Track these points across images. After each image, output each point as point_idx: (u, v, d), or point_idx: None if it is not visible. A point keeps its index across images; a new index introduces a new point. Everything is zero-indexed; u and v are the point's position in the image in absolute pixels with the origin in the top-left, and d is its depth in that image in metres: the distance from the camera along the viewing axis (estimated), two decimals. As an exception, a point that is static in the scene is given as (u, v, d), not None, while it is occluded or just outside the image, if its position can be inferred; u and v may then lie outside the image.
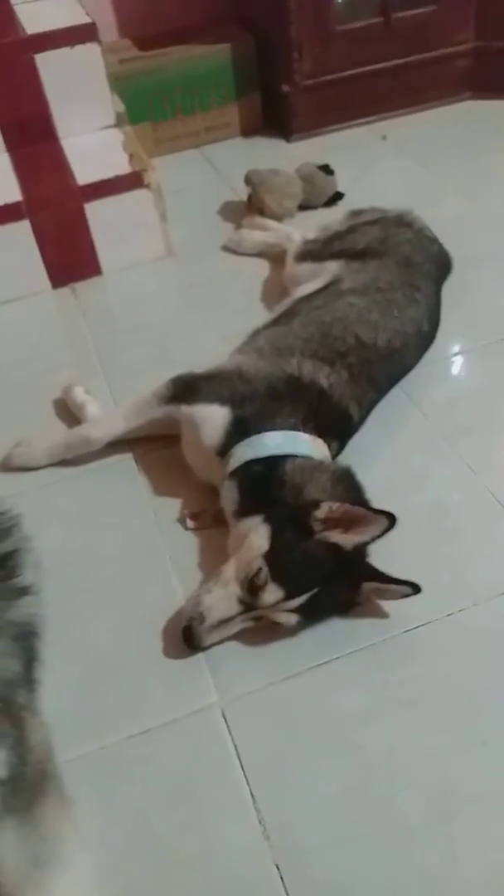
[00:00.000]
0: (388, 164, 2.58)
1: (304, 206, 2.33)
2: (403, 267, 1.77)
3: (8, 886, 0.95)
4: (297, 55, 2.57)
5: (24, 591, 1.11)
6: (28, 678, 1.07)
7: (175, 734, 1.19)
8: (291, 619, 1.26)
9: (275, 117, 2.76)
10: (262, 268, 2.15)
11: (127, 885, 1.04)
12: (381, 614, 1.31)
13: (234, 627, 1.28)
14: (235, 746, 1.17)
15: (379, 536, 1.26)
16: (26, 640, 1.08)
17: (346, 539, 1.26)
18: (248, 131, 2.79)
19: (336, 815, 1.09)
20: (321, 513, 1.27)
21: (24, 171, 2.12)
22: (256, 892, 1.04)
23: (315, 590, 1.25)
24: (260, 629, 1.29)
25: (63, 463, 1.64)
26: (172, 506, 1.54)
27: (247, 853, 1.07)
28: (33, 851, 0.96)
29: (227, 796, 1.12)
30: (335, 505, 1.27)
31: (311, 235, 2.02)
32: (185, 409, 1.52)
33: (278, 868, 1.05)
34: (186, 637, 1.26)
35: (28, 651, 1.08)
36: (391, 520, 1.24)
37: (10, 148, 2.20)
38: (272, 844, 1.07)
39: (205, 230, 2.31)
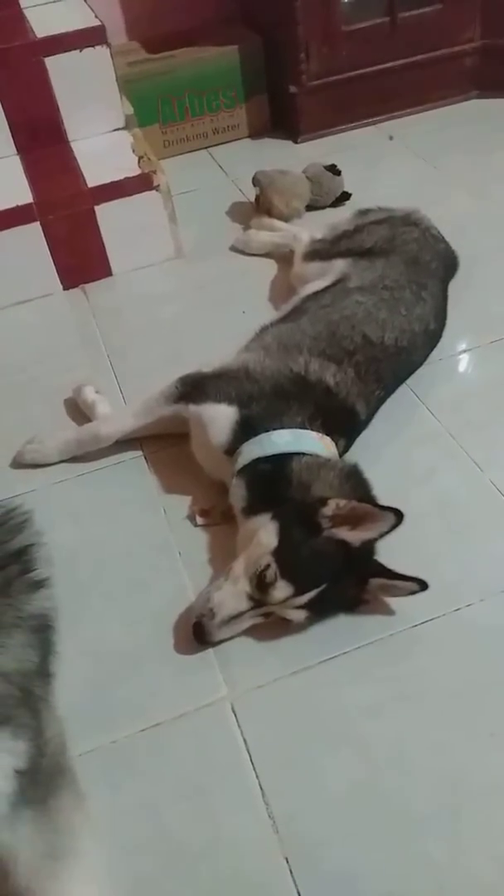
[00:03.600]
0: (395, 163, 2.59)
1: (311, 207, 2.35)
2: (411, 265, 1.78)
3: (23, 878, 0.96)
4: (304, 56, 2.58)
5: (39, 585, 1.13)
6: (44, 671, 1.08)
7: (185, 728, 1.21)
8: (300, 615, 1.28)
9: (282, 118, 2.78)
10: (270, 268, 2.16)
11: (137, 877, 1.05)
12: (388, 611, 1.32)
13: (244, 624, 1.30)
14: (245, 740, 1.19)
15: (386, 533, 1.27)
16: (43, 632, 1.10)
17: (353, 536, 1.27)
18: (255, 132, 2.80)
19: (345, 807, 1.11)
20: (329, 510, 1.28)
21: (35, 173, 2.15)
22: (266, 884, 1.05)
23: (323, 586, 1.26)
24: (269, 624, 1.31)
25: (74, 460, 1.66)
26: (182, 503, 1.56)
27: (256, 846, 1.08)
28: (48, 843, 0.96)
29: (236, 789, 1.14)
30: (342, 502, 1.28)
31: (319, 235, 2.03)
32: (193, 409, 1.54)
33: (287, 861, 1.06)
34: (197, 633, 1.28)
35: (45, 644, 1.09)
36: (398, 516, 1.25)
37: (21, 151, 2.22)
38: (281, 837, 1.08)
39: (213, 231, 2.32)
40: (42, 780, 0.96)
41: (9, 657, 0.98)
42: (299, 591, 1.26)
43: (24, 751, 0.95)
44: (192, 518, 1.53)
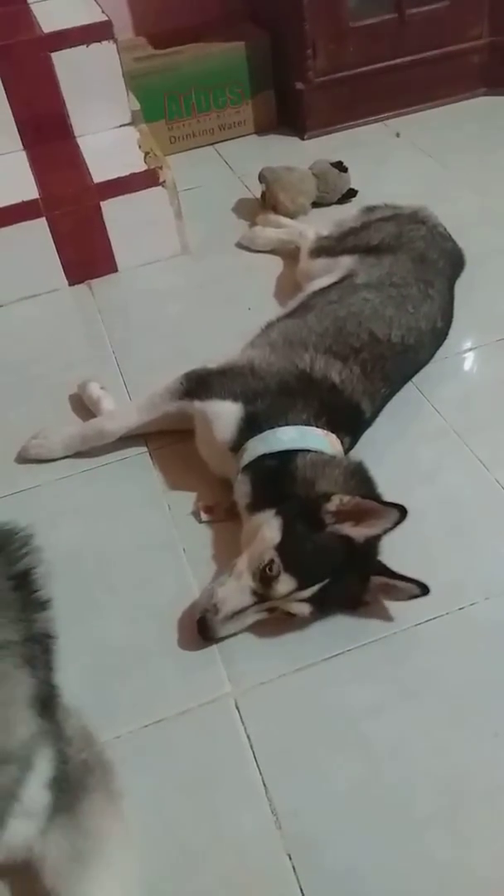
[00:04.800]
0: (402, 160, 2.58)
1: (317, 203, 2.34)
2: (418, 263, 1.78)
3: (49, 880, 0.97)
4: (311, 52, 2.57)
5: (44, 606, 1.14)
6: (52, 681, 1.09)
7: (189, 724, 1.21)
8: (304, 609, 1.28)
9: (289, 115, 2.77)
10: (276, 264, 2.16)
11: (140, 872, 1.04)
12: (392, 610, 1.32)
13: (248, 619, 1.30)
14: (248, 736, 1.19)
15: (390, 529, 1.27)
16: (48, 650, 1.11)
17: (357, 531, 1.27)
18: (262, 129, 2.80)
19: (348, 805, 1.11)
20: (332, 505, 1.28)
21: (41, 169, 2.15)
22: (268, 880, 1.05)
23: (326, 580, 1.26)
24: (273, 621, 1.31)
25: (79, 456, 1.66)
26: (186, 499, 1.56)
27: (259, 842, 1.08)
28: (75, 847, 0.96)
29: (240, 786, 1.14)
30: (346, 498, 1.28)
31: (325, 232, 2.03)
32: (198, 405, 1.53)
33: (290, 857, 1.06)
34: (201, 629, 1.28)
35: (51, 657, 1.11)
36: (402, 512, 1.25)
37: (27, 146, 2.22)
38: (284, 834, 1.08)
39: (219, 227, 2.32)
40: (70, 785, 0.95)
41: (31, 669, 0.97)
42: (302, 586, 1.26)
43: (51, 758, 0.94)
44: (196, 514, 1.53)
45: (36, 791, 0.95)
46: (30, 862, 0.96)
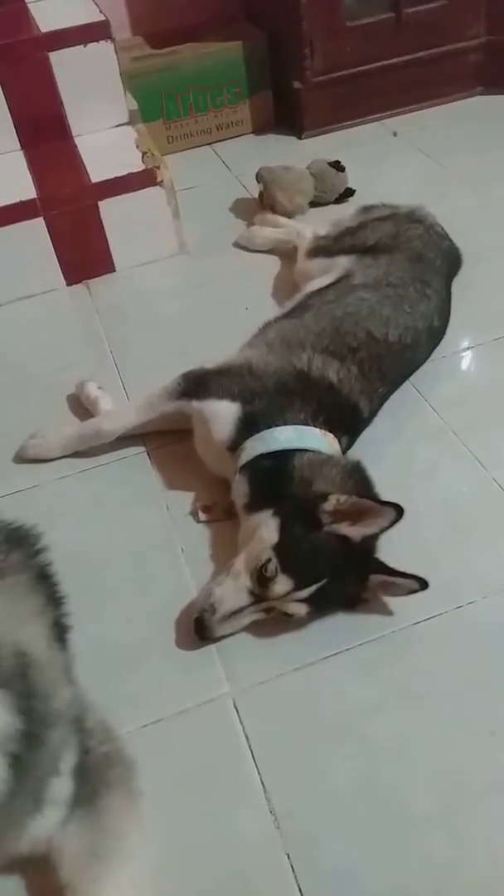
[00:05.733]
0: (400, 160, 2.58)
1: (315, 203, 2.34)
2: (414, 262, 1.78)
3: (66, 874, 0.97)
4: (308, 52, 2.57)
5: (62, 600, 1.15)
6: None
7: (187, 724, 1.21)
8: (301, 609, 1.28)
9: (286, 114, 2.77)
10: (273, 264, 2.16)
11: (154, 875, 1.03)
12: (390, 609, 1.32)
13: (246, 619, 1.30)
14: (247, 736, 1.19)
15: (387, 528, 1.27)
16: (66, 643, 1.11)
17: (354, 531, 1.27)
18: (259, 128, 2.80)
19: (346, 804, 1.11)
20: (329, 505, 1.28)
21: (39, 169, 2.14)
22: (267, 880, 1.05)
23: (324, 580, 1.26)
24: (270, 621, 1.31)
25: (77, 456, 1.66)
26: (184, 499, 1.56)
27: (258, 842, 1.08)
28: (94, 843, 0.96)
29: (237, 785, 1.14)
30: (343, 497, 1.28)
31: (323, 231, 2.03)
32: (196, 405, 1.54)
33: (289, 857, 1.06)
34: (198, 628, 1.28)
35: (69, 652, 1.11)
36: (399, 511, 1.25)
37: (25, 146, 2.22)
38: (283, 833, 1.09)
39: (217, 227, 2.32)
40: (91, 778, 0.94)
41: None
42: (300, 586, 1.26)
43: (74, 746, 0.94)
44: (194, 514, 1.53)
45: (62, 778, 0.94)
46: (47, 854, 0.96)
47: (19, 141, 2.21)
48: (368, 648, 1.28)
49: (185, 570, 1.43)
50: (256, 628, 1.31)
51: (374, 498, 1.33)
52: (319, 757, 1.16)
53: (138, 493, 1.59)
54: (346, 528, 1.27)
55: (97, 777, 0.96)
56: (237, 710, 1.22)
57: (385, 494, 1.36)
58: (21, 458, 1.67)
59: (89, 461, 1.65)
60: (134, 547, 1.48)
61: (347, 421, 1.51)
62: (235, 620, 1.29)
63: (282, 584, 1.25)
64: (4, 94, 2.12)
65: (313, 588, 1.26)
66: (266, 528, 1.31)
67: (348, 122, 2.76)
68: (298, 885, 1.04)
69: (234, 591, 1.28)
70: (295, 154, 2.54)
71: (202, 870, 1.06)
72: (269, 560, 1.26)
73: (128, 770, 1.02)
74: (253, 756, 1.16)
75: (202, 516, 1.52)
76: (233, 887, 1.05)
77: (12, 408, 1.80)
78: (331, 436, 1.45)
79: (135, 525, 1.52)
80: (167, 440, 1.66)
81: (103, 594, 1.40)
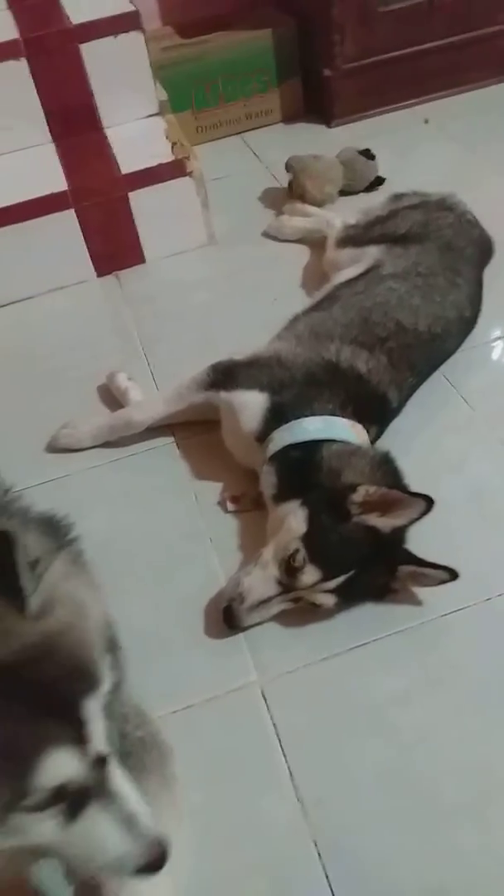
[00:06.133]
0: (430, 147, 2.55)
1: (344, 192, 2.33)
2: (445, 251, 1.76)
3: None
4: (339, 38, 2.55)
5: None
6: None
7: (216, 711, 1.22)
8: (329, 600, 1.28)
9: (316, 102, 2.75)
10: (302, 254, 2.15)
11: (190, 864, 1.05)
12: (418, 600, 1.32)
13: (274, 609, 1.31)
14: (274, 724, 1.20)
15: (416, 520, 1.26)
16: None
17: (383, 522, 1.27)
18: (289, 117, 2.78)
19: (373, 794, 1.11)
20: (358, 496, 1.28)
21: (69, 161, 2.16)
22: (294, 866, 1.06)
23: (352, 572, 1.27)
24: (298, 611, 1.31)
25: (107, 446, 1.68)
26: (213, 489, 1.57)
27: (285, 829, 1.09)
28: None
29: (265, 773, 1.15)
30: (372, 488, 1.28)
31: (352, 221, 2.01)
32: (225, 396, 1.54)
33: (316, 844, 1.07)
34: (227, 617, 1.29)
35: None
36: (428, 503, 1.24)
37: (56, 138, 2.23)
38: (310, 821, 1.10)
39: (246, 217, 2.32)
40: (127, 762, 0.92)
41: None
42: (328, 577, 1.26)
43: (113, 730, 0.95)
44: (222, 504, 1.54)
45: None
46: None
47: (50, 133, 2.23)
48: (397, 639, 1.28)
49: (214, 559, 1.44)
50: (284, 618, 1.32)
51: (404, 489, 1.33)
52: (347, 746, 1.17)
53: (167, 483, 1.60)
54: (374, 520, 1.27)
55: (134, 761, 0.97)
56: (265, 699, 1.23)
57: (414, 485, 1.35)
58: (53, 448, 1.69)
59: (119, 451, 1.67)
60: (163, 536, 1.50)
61: (376, 411, 1.51)
62: (263, 610, 1.30)
63: (310, 575, 1.26)
64: (36, 86, 2.13)
65: (341, 579, 1.26)
66: (294, 519, 1.31)
67: (378, 110, 2.73)
68: (326, 873, 1.05)
69: (262, 581, 1.29)
70: (324, 142, 2.52)
71: (230, 855, 1.07)
72: (297, 550, 1.26)
73: (163, 755, 1.03)
74: (280, 744, 1.17)
75: (230, 506, 1.53)
76: (261, 873, 1.06)
77: (44, 398, 1.82)
78: (359, 426, 1.45)
79: (164, 515, 1.54)
80: (196, 431, 1.67)
81: (133, 582, 1.42)
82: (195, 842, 1.04)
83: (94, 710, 0.78)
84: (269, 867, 1.06)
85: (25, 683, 0.74)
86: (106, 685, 0.81)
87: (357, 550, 1.27)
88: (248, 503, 1.52)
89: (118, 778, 0.82)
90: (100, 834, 0.80)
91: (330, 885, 1.04)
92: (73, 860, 0.84)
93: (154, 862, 0.81)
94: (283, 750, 1.17)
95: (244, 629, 1.30)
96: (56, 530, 1.13)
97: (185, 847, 0.98)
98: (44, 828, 0.77)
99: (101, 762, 0.80)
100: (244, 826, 1.10)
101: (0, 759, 0.72)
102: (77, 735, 0.76)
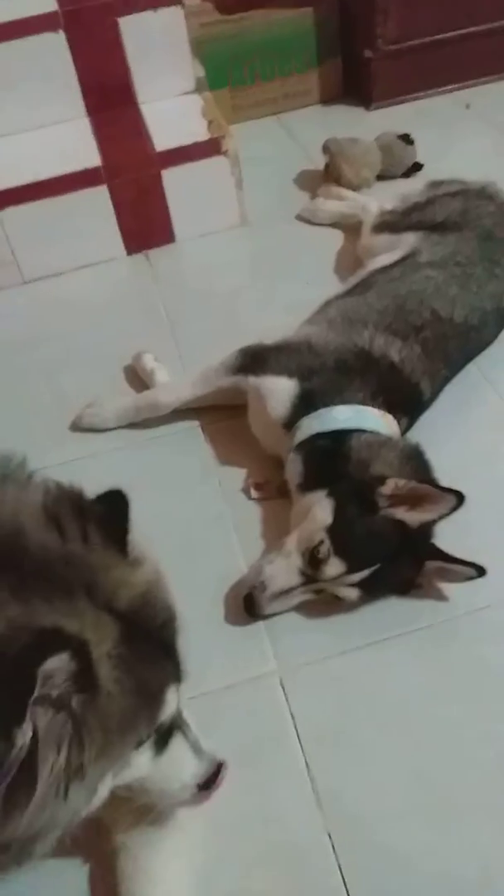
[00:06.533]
0: (471, 133, 2.48)
1: (382, 177, 2.28)
2: (484, 241, 1.71)
3: (118, 840, 1.00)
4: (382, 19, 2.49)
5: None
6: None
7: (234, 698, 1.21)
8: (352, 593, 1.26)
9: (355, 84, 2.69)
10: (336, 238, 2.12)
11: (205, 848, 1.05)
12: (443, 596, 1.30)
13: (295, 599, 1.29)
14: (292, 715, 1.19)
15: (446, 515, 1.24)
16: None
17: (411, 516, 1.25)
18: (327, 98, 2.73)
19: (390, 789, 1.10)
20: (387, 489, 1.25)
21: (104, 136, 2.13)
22: (307, 857, 1.05)
23: (377, 565, 1.25)
24: (321, 601, 1.30)
25: (131, 427, 1.66)
26: (237, 475, 1.55)
27: (299, 820, 1.08)
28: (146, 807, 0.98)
29: (282, 763, 1.14)
30: (401, 481, 1.25)
31: (389, 206, 1.97)
32: (252, 381, 1.52)
33: (330, 836, 1.06)
34: (248, 605, 1.28)
35: None
36: (459, 498, 1.22)
37: (91, 113, 2.20)
38: (325, 813, 1.09)
39: (279, 199, 2.28)
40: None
41: None
42: (352, 570, 1.24)
43: None
44: (246, 491, 1.52)
45: None
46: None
47: (86, 107, 2.20)
48: (420, 635, 1.26)
49: (236, 545, 1.43)
50: (306, 608, 1.31)
51: (434, 483, 1.30)
52: (364, 740, 1.15)
53: (191, 467, 1.58)
54: (403, 513, 1.25)
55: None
56: (283, 689, 1.22)
57: (444, 479, 1.33)
58: (77, 427, 1.68)
59: (144, 433, 1.66)
60: (185, 521, 1.48)
61: (408, 402, 1.48)
62: (285, 599, 1.28)
63: (334, 567, 1.24)
64: (73, 59, 2.10)
65: (366, 572, 1.24)
66: (320, 509, 1.29)
67: (419, 94, 2.67)
68: (339, 865, 1.04)
69: (284, 571, 1.27)
70: (363, 126, 2.47)
71: (243, 842, 1.07)
72: (321, 542, 1.25)
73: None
74: (298, 735, 1.16)
75: (254, 493, 1.52)
76: (273, 861, 1.05)
77: (70, 376, 1.81)
78: (390, 417, 1.42)
79: (187, 499, 1.52)
80: (222, 415, 1.65)
81: (153, 566, 1.41)
82: (210, 827, 1.05)
83: (183, 649, 0.89)
84: (281, 856, 1.06)
85: (143, 627, 0.82)
86: None
87: (383, 544, 1.25)
88: (272, 491, 1.51)
89: (184, 710, 0.93)
90: (180, 759, 0.91)
91: (343, 878, 1.03)
92: (149, 789, 0.92)
93: (215, 779, 0.94)
94: (300, 740, 1.16)
95: (264, 618, 1.29)
96: None
97: (200, 831, 0.99)
98: (142, 760, 0.87)
99: None
100: (258, 814, 1.09)
101: (143, 695, 0.80)
102: (179, 672, 0.88)
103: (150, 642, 0.83)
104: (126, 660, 0.77)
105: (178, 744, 0.91)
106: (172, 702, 0.86)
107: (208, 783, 0.94)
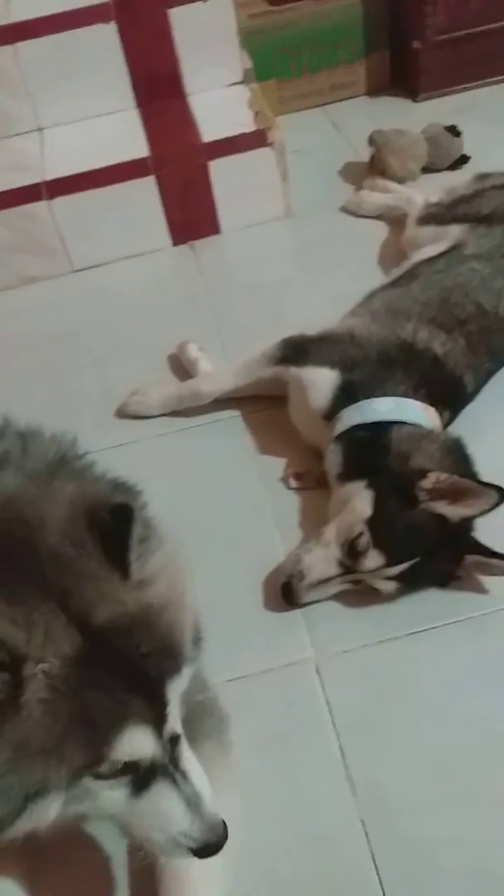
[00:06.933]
0: (521, 125, 2.45)
1: (428, 169, 2.26)
2: (532, 234, 1.70)
3: None
4: (432, 9, 2.46)
5: None
6: None
7: (270, 683, 1.23)
8: (390, 586, 1.27)
9: (402, 75, 2.67)
10: (380, 231, 2.11)
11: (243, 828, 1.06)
12: (483, 590, 1.30)
13: (332, 588, 1.30)
14: (328, 702, 1.20)
15: (487, 511, 1.23)
16: None
17: (452, 511, 1.25)
18: (373, 90, 2.71)
19: (424, 779, 1.11)
20: (428, 483, 1.25)
21: (152, 127, 2.16)
22: (339, 843, 1.07)
23: (416, 559, 1.25)
24: (358, 591, 1.31)
25: (174, 415, 1.69)
26: (276, 464, 1.57)
27: (332, 805, 1.10)
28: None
29: (316, 748, 1.15)
30: (443, 475, 1.25)
31: (435, 199, 1.96)
32: (294, 371, 1.53)
33: (363, 824, 1.08)
34: (285, 593, 1.30)
35: None
36: (501, 494, 1.21)
37: (140, 103, 2.23)
38: (359, 800, 1.10)
39: (324, 191, 2.28)
40: (187, 725, 0.93)
41: None
42: (391, 563, 1.25)
43: None
44: (285, 480, 1.54)
45: None
46: None
47: (135, 98, 2.22)
48: (457, 628, 1.26)
49: (274, 533, 1.44)
50: (344, 596, 1.32)
51: (475, 478, 1.30)
52: (399, 730, 1.16)
53: (231, 455, 1.60)
54: (443, 507, 1.25)
55: (196, 725, 0.98)
56: (320, 675, 1.23)
57: (485, 474, 1.32)
58: (121, 414, 1.71)
59: (186, 421, 1.68)
60: (225, 508, 1.50)
61: (450, 395, 1.47)
62: (322, 589, 1.29)
63: (373, 559, 1.25)
64: (124, 50, 2.13)
65: (405, 566, 1.25)
66: (359, 501, 1.30)
67: (467, 85, 2.63)
68: (371, 852, 1.05)
69: (323, 561, 1.29)
70: (409, 117, 2.45)
71: (277, 826, 1.08)
72: (361, 534, 1.25)
73: (221, 721, 1.05)
74: (333, 722, 1.18)
75: (293, 483, 1.53)
76: (306, 846, 1.07)
77: (115, 365, 1.84)
78: (432, 410, 1.42)
79: (227, 487, 1.54)
80: (262, 405, 1.67)
81: (193, 550, 1.40)
82: (246, 809, 1.07)
83: (175, 692, 0.79)
84: (314, 842, 1.07)
85: (118, 653, 0.75)
86: (189, 670, 0.82)
87: (423, 538, 1.25)
88: (310, 481, 1.52)
89: (188, 758, 0.83)
90: (164, 809, 0.81)
91: (375, 865, 1.04)
92: (134, 832, 0.86)
93: (212, 844, 0.83)
94: (335, 728, 1.17)
95: (302, 606, 1.30)
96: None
97: (238, 813, 1.00)
98: (112, 796, 0.79)
99: (174, 740, 0.81)
100: (292, 799, 1.11)
101: (81, 724, 0.73)
102: (157, 715, 0.78)
103: (118, 671, 0.75)
104: (68, 683, 0.72)
105: (162, 792, 0.81)
106: (135, 743, 0.76)
107: (205, 850, 0.83)
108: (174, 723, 0.81)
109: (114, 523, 0.77)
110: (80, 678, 0.72)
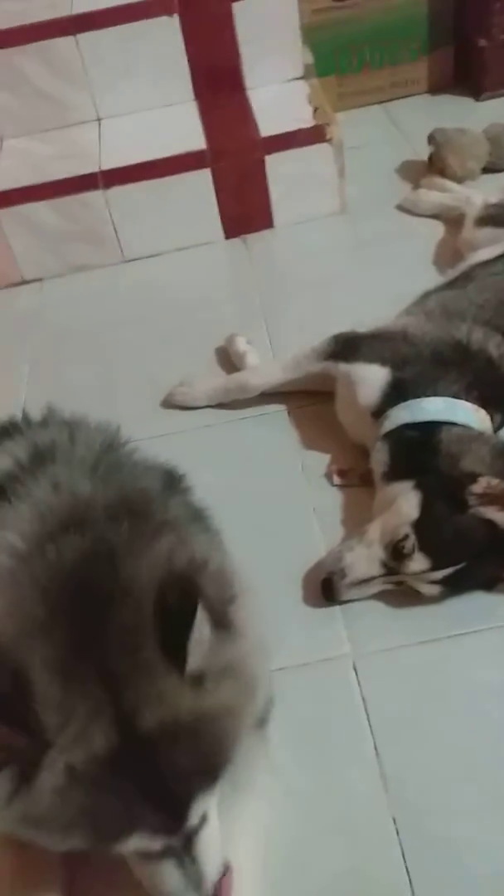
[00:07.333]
0: None
1: (488, 169, 2.23)
2: None
3: None
4: (499, 7, 2.42)
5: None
6: None
7: (307, 677, 1.23)
8: (433, 589, 1.26)
9: (466, 73, 2.63)
10: (436, 230, 2.08)
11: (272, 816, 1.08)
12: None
13: (373, 588, 1.29)
14: (364, 699, 1.19)
15: (538, 519, 1.21)
16: None
17: (502, 517, 1.22)
18: (435, 88, 2.68)
19: (458, 782, 1.09)
20: (478, 487, 1.23)
21: (210, 120, 2.17)
22: (370, 839, 1.06)
23: (462, 564, 1.23)
24: (399, 591, 1.30)
25: (220, 407, 1.70)
26: (320, 460, 1.56)
27: (365, 801, 1.09)
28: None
29: (350, 744, 1.15)
30: (495, 480, 1.23)
31: (494, 199, 1.93)
32: (343, 367, 1.52)
33: (394, 821, 1.07)
34: (325, 589, 1.29)
35: None
36: (553, 502, 1.19)
37: (199, 96, 2.24)
38: (391, 798, 1.09)
39: (381, 188, 2.26)
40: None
41: None
42: (436, 567, 1.23)
43: None
44: (329, 477, 1.53)
45: None
46: None
47: (194, 91, 2.24)
48: (499, 633, 1.24)
49: (316, 529, 1.44)
50: (384, 596, 1.31)
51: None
52: (434, 731, 1.15)
53: (276, 449, 1.60)
54: (493, 513, 1.22)
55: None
56: (356, 673, 1.23)
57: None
58: (168, 404, 1.73)
59: (231, 413, 1.69)
60: (267, 501, 1.50)
61: (503, 398, 1.45)
62: (363, 588, 1.29)
63: (418, 563, 1.23)
64: (185, 43, 2.14)
65: (450, 570, 1.23)
66: (406, 501, 1.29)
67: (532, 85, 2.59)
68: (402, 849, 1.04)
69: (365, 560, 1.28)
70: (471, 116, 2.42)
71: (309, 819, 1.08)
72: (406, 536, 1.24)
73: (269, 703, 1.05)
74: (368, 719, 1.17)
75: (337, 480, 1.52)
76: (337, 840, 1.06)
77: (163, 354, 1.86)
78: (483, 412, 1.40)
79: (270, 480, 1.55)
80: (308, 401, 1.67)
81: (235, 541, 1.42)
82: (276, 799, 1.07)
83: (202, 807, 0.77)
84: (345, 836, 1.07)
85: (151, 766, 0.70)
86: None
87: (471, 544, 1.23)
88: (354, 478, 1.51)
89: (202, 843, 0.81)
90: (163, 882, 0.81)
91: (405, 863, 1.03)
92: (135, 872, 0.85)
93: None
94: (370, 725, 1.16)
95: (341, 603, 1.30)
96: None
97: (271, 801, 1.00)
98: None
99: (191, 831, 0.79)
100: (325, 793, 1.11)
101: (91, 819, 0.70)
102: (172, 827, 0.75)
103: (145, 786, 0.70)
104: (88, 780, 0.69)
105: (169, 869, 0.80)
106: (139, 844, 0.74)
107: None
108: (193, 820, 0.78)
109: (178, 605, 0.70)
110: (102, 780, 0.69)
